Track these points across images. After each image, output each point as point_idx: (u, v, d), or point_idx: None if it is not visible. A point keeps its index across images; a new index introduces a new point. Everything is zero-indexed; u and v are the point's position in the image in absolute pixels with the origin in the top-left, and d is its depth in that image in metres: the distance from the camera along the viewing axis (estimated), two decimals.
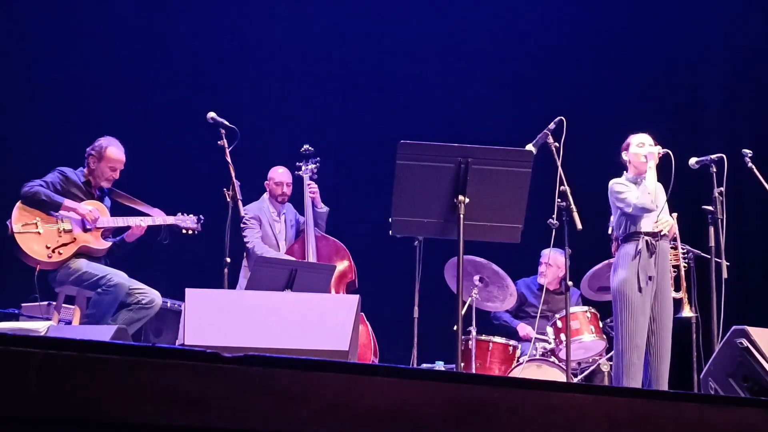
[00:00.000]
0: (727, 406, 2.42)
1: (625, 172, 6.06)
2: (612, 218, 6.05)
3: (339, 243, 6.97)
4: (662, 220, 5.85)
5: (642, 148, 5.92)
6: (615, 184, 5.94)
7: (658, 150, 5.85)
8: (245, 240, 6.83)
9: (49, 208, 5.85)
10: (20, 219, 5.81)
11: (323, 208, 7.10)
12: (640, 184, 5.90)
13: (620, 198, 5.86)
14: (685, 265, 6.17)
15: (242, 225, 6.76)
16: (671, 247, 6.01)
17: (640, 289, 5.71)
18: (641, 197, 5.78)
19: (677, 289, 6.05)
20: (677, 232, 6.05)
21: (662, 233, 5.83)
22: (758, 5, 8.85)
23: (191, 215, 6.22)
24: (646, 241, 5.78)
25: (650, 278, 5.74)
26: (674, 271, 6.04)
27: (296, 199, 7.17)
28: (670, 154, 5.72)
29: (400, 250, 7.12)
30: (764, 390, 4.60)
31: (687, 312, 6.15)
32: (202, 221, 6.25)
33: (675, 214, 6.02)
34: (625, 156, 6.00)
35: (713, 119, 8.99)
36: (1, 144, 8.01)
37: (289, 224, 7.11)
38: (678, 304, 6.06)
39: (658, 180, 5.87)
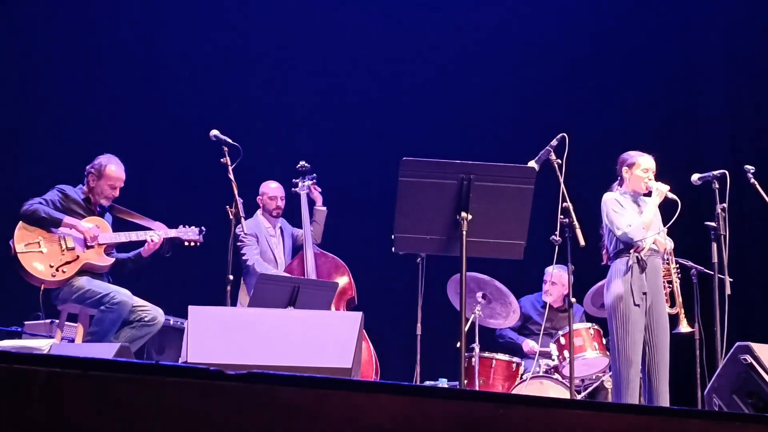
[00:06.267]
0: (731, 422, 2.42)
1: (617, 185, 6.05)
2: (602, 231, 6.05)
3: (338, 259, 6.97)
4: (659, 240, 5.86)
5: (646, 174, 5.92)
6: (610, 201, 5.91)
7: (667, 191, 5.86)
8: (244, 258, 6.83)
9: (49, 226, 5.85)
10: (22, 239, 5.82)
11: (323, 207, 7.14)
12: (637, 203, 5.92)
13: (611, 218, 5.84)
14: (678, 279, 6.15)
15: (239, 243, 6.75)
16: (666, 263, 6.01)
17: (636, 304, 5.70)
18: (634, 229, 5.76)
19: (672, 304, 6.04)
20: (671, 248, 6.05)
21: (654, 249, 5.84)
22: (760, 19, 8.87)
23: (193, 227, 6.23)
24: (637, 257, 5.77)
25: (644, 294, 5.74)
26: (669, 287, 6.03)
27: (292, 216, 7.17)
28: (678, 203, 5.73)
29: (402, 267, 7.12)
30: None
31: (684, 327, 6.13)
32: (204, 232, 6.25)
33: (665, 228, 5.98)
34: (625, 173, 5.98)
35: (715, 135, 9.00)
36: (2, 162, 8.02)
37: (286, 238, 7.13)
38: (674, 320, 6.05)
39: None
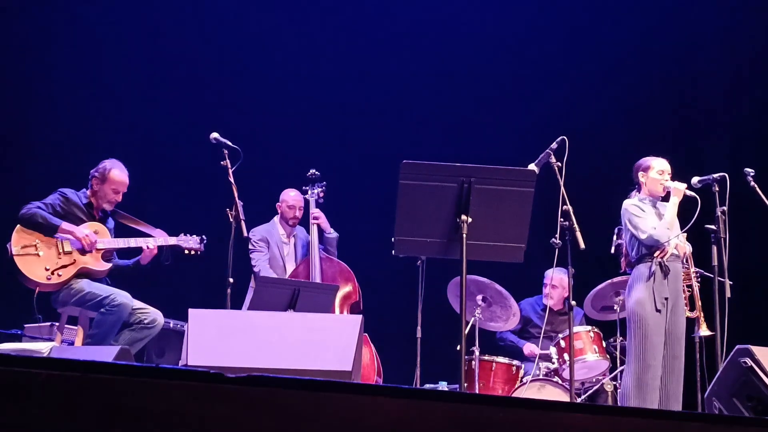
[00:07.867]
0: (731, 425, 2.42)
1: (636, 192, 6.06)
2: (615, 238, 6.05)
3: (344, 265, 6.96)
4: (679, 244, 5.87)
5: (662, 176, 5.94)
6: (631, 206, 5.94)
7: (685, 188, 5.86)
8: (252, 263, 6.84)
9: (46, 231, 5.84)
10: (19, 241, 5.81)
11: (332, 234, 7.08)
12: (656, 208, 5.93)
13: (635, 223, 5.86)
14: (698, 283, 6.16)
15: (250, 247, 6.80)
16: (685, 267, 6.02)
17: (657, 310, 5.72)
18: (659, 230, 5.79)
19: (692, 308, 6.05)
20: (689, 252, 6.06)
21: (675, 254, 5.85)
22: (761, 24, 8.87)
23: (194, 236, 6.21)
24: (660, 262, 5.79)
25: (666, 299, 5.75)
26: (688, 291, 6.04)
27: (304, 221, 7.17)
28: (698, 200, 5.73)
29: (403, 270, 7.11)
30: None
31: (704, 330, 6.12)
32: (204, 242, 6.23)
33: (684, 234, 6.01)
34: (641, 177, 6.01)
35: (715, 138, 9.00)
36: (4, 165, 8.02)
37: (299, 246, 7.11)
38: (693, 323, 6.06)
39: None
